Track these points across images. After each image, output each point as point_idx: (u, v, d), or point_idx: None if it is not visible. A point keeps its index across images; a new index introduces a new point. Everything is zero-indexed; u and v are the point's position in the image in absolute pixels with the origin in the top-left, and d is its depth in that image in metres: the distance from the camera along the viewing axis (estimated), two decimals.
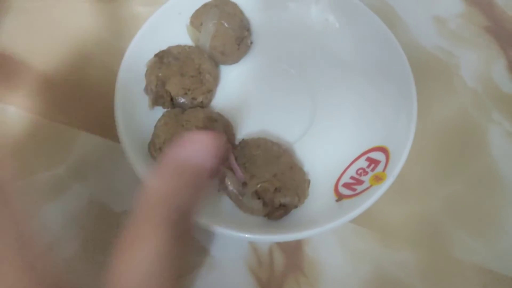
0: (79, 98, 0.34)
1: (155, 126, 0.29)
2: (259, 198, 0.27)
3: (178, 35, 0.33)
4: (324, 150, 0.31)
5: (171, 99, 0.30)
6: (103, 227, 0.29)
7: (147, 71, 0.30)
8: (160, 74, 0.30)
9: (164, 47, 0.32)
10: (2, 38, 0.36)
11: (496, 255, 0.30)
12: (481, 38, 0.38)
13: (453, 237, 0.30)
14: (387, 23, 0.34)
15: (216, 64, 0.33)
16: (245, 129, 0.32)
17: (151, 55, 0.31)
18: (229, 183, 0.27)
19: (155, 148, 0.27)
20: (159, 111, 0.30)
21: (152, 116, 0.30)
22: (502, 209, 0.31)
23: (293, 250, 0.29)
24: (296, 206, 0.28)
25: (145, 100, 0.31)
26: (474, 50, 0.38)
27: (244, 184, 0.27)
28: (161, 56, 0.30)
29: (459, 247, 0.30)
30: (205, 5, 0.33)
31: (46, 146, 0.32)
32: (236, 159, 0.28)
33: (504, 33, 0.38)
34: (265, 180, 0.27)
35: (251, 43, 0.34)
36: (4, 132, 0.32)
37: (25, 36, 0.37)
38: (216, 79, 0.32)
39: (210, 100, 0.32)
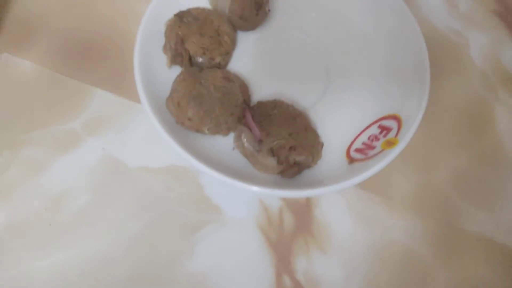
0: (96, 57, 0.34)
1: (174, 81, 0.29)
2: (274, 156, 0.27)
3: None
4: (338, 117, 0.32)
5: (190, 58, 0.30)
6: (116, 181, 0.30)
7: (166, 29, 0.31)
8: (179, 33, 0.30)
9: (183, 9, 0.32)
10: None
11: (500, 226, 0.31)
12: (490, 21, 0.39)
13: (460, 208, 0.31)
14: None
15: (234, 28, 0.33)
16: (260, 93, 0.32)
17: (171, 15, 0.31)
18: (245, 139, 0.28)
19: (173, 102, 0.28)
20: (177, 70, 0.31)
21: (170, 75, 0.30)
22: (506, 183, 0.32)
23: (303, 212, 0.30)
24: (309, 166, 0.28)
25: (163, 59, 0.31)
26: (483, 32, 0.38)
27: (260, 141, 0.28)
28: (181, 16, 0.31)
29: (465, 217, 0.31)
30: None
31: (61, 100, 0.32)
32: (253, 117, 0.28)
33: None
34: (281, 138, 0.27)
35: (269, 10, 0.35)
36: (19, 85, 0.32)
37: None
38: (234, 41, 0.32)
39: (227, 62, 0.32)
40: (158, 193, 0.30)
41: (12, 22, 0.35)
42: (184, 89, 0.28)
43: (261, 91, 0.32)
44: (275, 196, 0.30)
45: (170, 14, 0.32)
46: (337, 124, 0.31)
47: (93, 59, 0.34)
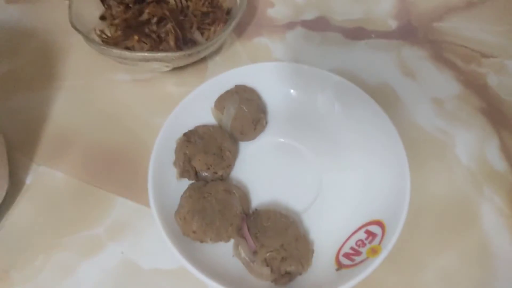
0: (118, 167, 0.39)
1: (181, 197, 0.34)
2: (267, 265, 0.31)
3: (204, 115, 0.39)
4: (328, 221, 0.35)
5: (196, 173, 0.35)
6: (132, 282, 0.34)
7: (176, 148, 0.36)
8: (187, 152, 0.35)
9: (192, 125, 0.38)
10: (55, 113, 0.43)
11: None
12: (476, 118, 0.42)
13: None
14: (388, 104, 0.38)
15: (236, 141, 0.38)
16: (260, 198, 0.36)
17: (181, 132, 0.37)
18: (241, 250, 0.32)
19: (180, 217, 0.32)
20: (186, 181, 0.35)
21: (179, 185, 0.35)
22: (493, 283, 0.34)
23: None
24: (300, 274, 0.31)
25: (173, 171, 0.36)
26: (469, 130, 0.41)
27: (255, 252, 0.31)
28: (188, 136, 0.36)
29: None
30: (227, 92, 0.39)
31: (88, 208, 0.37)
32: (249, 229, 0.32)
33: (497, 115, 0.42)
34: (273, 249, 0.31)
35: (266, 123, 0.40)
36: (53, 194, 0.38)
37: (74, 112, 0.43)
38: (235, 154, 0.37)
39: (229, 173, 0.37)
40: None
41: (48, 138, 0.41)
42: (189, 205, 0.32)
43: (259, 197, 0.36)
44: None
45: (181, 129, 0.37)
46: (328, 228, 0.34)
47: (115, 169, 0.39)
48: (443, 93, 0.44)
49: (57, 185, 0.38)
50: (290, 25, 0.51)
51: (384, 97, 0.43)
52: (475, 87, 0.44)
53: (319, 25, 0.51)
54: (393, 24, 0.51)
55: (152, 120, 0.42)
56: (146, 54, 0.38)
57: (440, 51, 0.48)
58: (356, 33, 0.50)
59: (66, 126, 0.42)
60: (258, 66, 0.41)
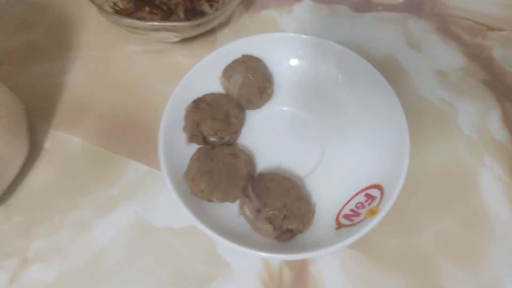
0: (130, 133, 0.41)
1: (190, 159, 0.35)
2: (270, 223, 0.33)
3: (212, 84, 0.41)
4: (330, 185, 0.36)
5: (204, 138, 0.37)
6: (145, 239, 0.36)
7: (185, 114, 0.38)
8: (195, 118, 0.37)
9: (200, 94, 0.39)
10: (71, 81, 0.45)
11: (480, 287, 0.34)
12: (479, 90, 0.43)
13: (442, 268, 0.34)
14: (393, 76, 0.39)
15: (242, 109, 0.40)
16: (264, 163, 0.38)
17: (190, 100, 0.38)
18: (246, 209, 0.33)
19: (189, 177, 0.34)
20: (194, 146, 0.37)
21: (188, 150, 0.37)
22: (488, 246, 0.35)
23: (300, 269, 0.35)
24: (301, 232, 0.33)
25: (183, 137, 0.38)
26: (472, 101, 0.42)
27: (259, 210, 0.33)
28: (197, 103, 0.38)
29: (447, 277, 0.34)
30: (234, 61, 0.40)
31: (102, 171, 0.39)
32: (253, 189, 0.34)
33: (500, 86, 0.43)
34: (275, 208, 0.33)
35: (272, 92, 0.41)
36: (69, 158, 0.40)
37: (89, 80, 0.45)
38: (241, 121, 0.39)
39: (236, 139, 0.39)
40: (179, 250, 0.35)
41: (64, 105, 0.43)
42: (197, 166, 0.34)
43: (264, 162, 0.38)
44: (274, 258, 0.35)
45: (190, 98, 0.38)
46: (329, 192, 0.36)
47: (128, 134, 0.41)
48: (448, 65, 0.45)
49: (73, 149, 0.41)
50: None
51: (389, 69, 0.43)
52: (480, 59, 0.45)
53: None
54: None
55: (163, 89, 0.44)
56: (156, 23, 0.39)
57: (446, 24, 0.48)
58: (363, 6, 0.50)
59: (81, 94, 0.44)
60: (264, 37, 0.42)
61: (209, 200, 0.34)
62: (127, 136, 0.41)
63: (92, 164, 0.40)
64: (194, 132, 0.37)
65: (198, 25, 0.41)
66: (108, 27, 0.44)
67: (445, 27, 0.48)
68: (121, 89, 0.45)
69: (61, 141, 0.41)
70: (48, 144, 0.41)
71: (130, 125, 0.42)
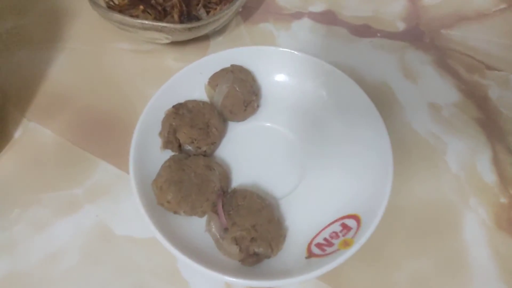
0: (106, 132, 0.40)
1: (161, 167, 0.33)
2: (236, 244, 0.30)
3: (197, 90, 0.39)
4: (305, 211, 0.34)
5: (179, 146, 0.35)
6: (103, 246, 0.34)
7: (163, 118, 0.36)
8: (173, 123, 0.35)
9: (184, 99, 0.37)
10: (54, 73, 0.44)
11: None
12: (472, 128, 0.41)
13: None
14: (384, 104, 0.38)
15: (225, 120, 0.38)
16: (240, 179, 0.36)
17: (172, 104, 0.37)
18: (213, 226, 0.31)
19: (157, 185, 0.32)
20: (169, 153, 0.35)
21: (162, 157, 0.35)
22: None
23: None
24: (268, 257, 0.31)
25: (159, 142, 0.36)
26: (463, 138, 0.41)
27: (226, 229, 0.31)
28: (177, 108, 0.36)
29: None
30: (222, 70, 0.39)
31: (71, 168, 0.37)
32: (223, 205, 0.32)
33: (493, 127, 0.41)
34: (243, 228, 0.31)
35: (258, 106, 0.39)
36: (39, 151, 0.38)
37: (73, 74, 0.44)
38: (222, 132, 0.37)
39: (213, 151, 0.37)
40: (137, 261, 0.33)
41: (42, 95, 0.42)
42: (167, 174, 0.32)
43: (240, 178, 0.36)
44: (237, 283, 0.32)
45: (171, 102, 0.37)
46: (304, 217, 0.34)
47: (104, 134, 0.39)
48: (442, 99, 0.43)
49: (44, 142, 0.39)
50: (297, 15, 0.51)
51: (381, 97, 0.42)
52: (475, 97, 0.44)
53: (326, 18, 0.51)
54: (400, 26, 0.51)
55: (148, 91, 0.42)
56: (146, 22, 0.38)
57: (445, 58, 0.47)
58: (362, 30, 0.49)
59: (62, 86, 0.43)
60: (257, 49, 0.41)
61: (175, 212, 0.32)
62: (102, 135, 0.39)
63: (60, 160, 0.38)
64: (170, 138, 0.35)
65: (189, 29, 0.39)
66: (100, 22, 0.42)
67: (443, 60, 0.47)
68: (104, 86, 0.43)
69: (33, 133, 0.39)
70: (18, 133, 0.39)
71: (107, 124, 0.40)
